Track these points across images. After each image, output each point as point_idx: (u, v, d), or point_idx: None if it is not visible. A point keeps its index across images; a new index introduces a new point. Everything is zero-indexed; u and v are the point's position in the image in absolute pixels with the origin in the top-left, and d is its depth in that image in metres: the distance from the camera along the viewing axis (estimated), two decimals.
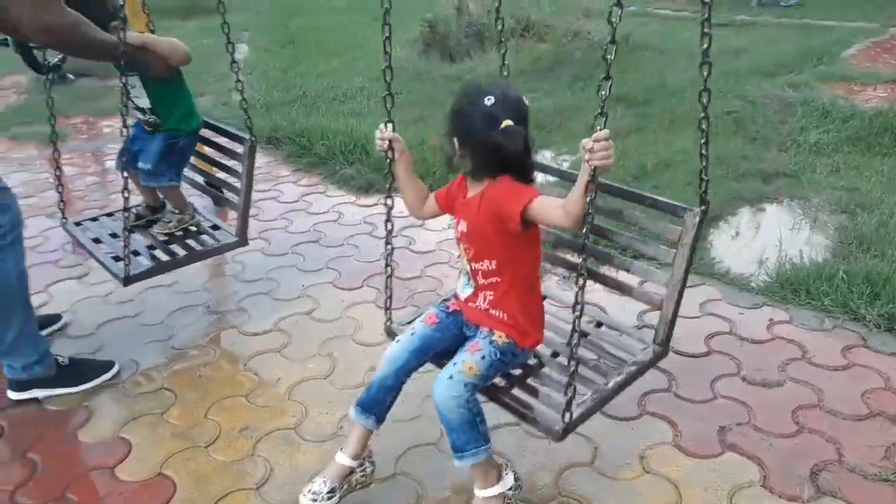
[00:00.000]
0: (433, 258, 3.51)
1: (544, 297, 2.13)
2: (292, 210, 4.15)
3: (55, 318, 3.03)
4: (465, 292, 1.99)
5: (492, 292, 1.92)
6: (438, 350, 2.00)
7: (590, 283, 1.93)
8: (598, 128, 1.51)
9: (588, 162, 1.53)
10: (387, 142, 2.02)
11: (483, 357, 1.87)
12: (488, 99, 1.74)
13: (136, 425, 2.42)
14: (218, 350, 2.84)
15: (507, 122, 1.72)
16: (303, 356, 2.77)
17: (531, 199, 1.74)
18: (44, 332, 2.89)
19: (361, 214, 4.05)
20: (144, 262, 2.87)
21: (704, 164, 1.78)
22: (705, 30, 1.59)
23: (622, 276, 2.24)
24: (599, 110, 1.52)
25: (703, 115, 1.69)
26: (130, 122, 2.59)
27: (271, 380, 2.63)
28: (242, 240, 3.01)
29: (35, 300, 3.19)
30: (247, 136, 2.87)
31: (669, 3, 11.76)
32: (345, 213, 4.07)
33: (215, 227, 3.16)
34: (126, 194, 2.55)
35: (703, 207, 1.86)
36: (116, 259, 2.81)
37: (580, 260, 1.64)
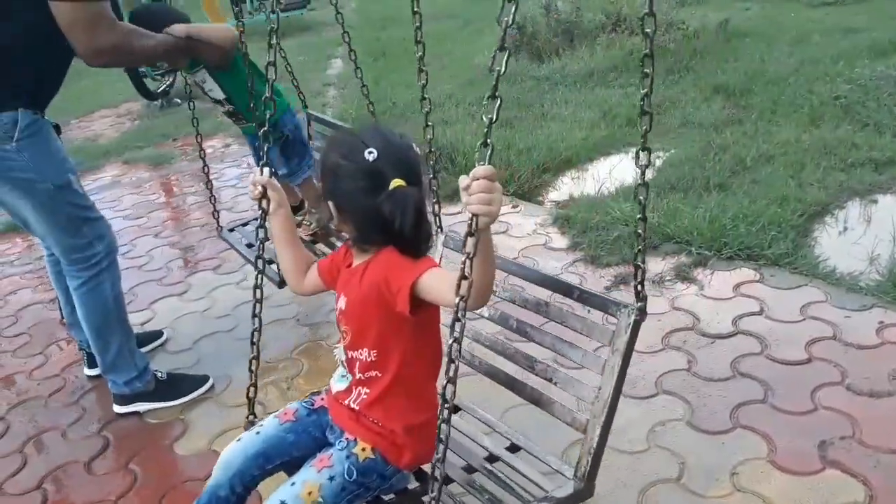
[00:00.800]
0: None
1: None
2: None
3: (157, 334, 3.21)
4: (338, 385, 1.61)
5: (368, 390, 1.54)
6: (291, 458, 1.60)
7: (509, 394, 1.71)
8: (480, 162, 1.15)
9: (466, 206, 1.16)
10: (259, 188, 1.64)
11: (332, 478, 1.47)
12: (370, 153, 1.42)
13: (226, 438, 2.52)
14: (305, 363, 2.92)
15: (397, 183, 1.40)
16: None
17: (423, 272, 1.39)
18: (147, 348, 3.08)
19: (444, 223, 4.05)
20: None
21: (641, 235, 1.46)
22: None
23: (544, 388, 1.70)
24: (483, 139, 1.16)
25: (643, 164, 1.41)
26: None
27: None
28: None
29: (140, 317, 3.44)
30: None
31: None
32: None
33: None
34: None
35: (639, 304, 1.48)
36: (270, 262, 2.95)
37: (453, 331, 1.20)
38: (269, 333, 3.16)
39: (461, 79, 7.14)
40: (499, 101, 1.19)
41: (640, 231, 1.48)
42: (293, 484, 1.47)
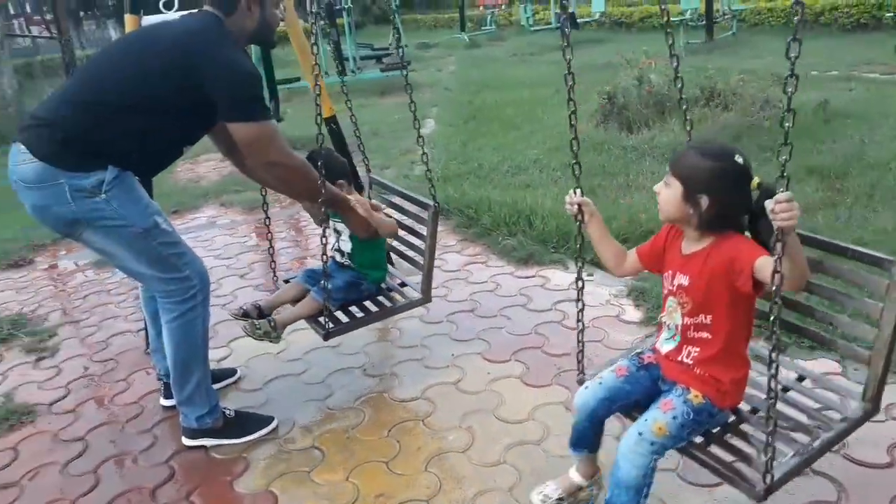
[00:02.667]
0: (588, 335, 3.42)
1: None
2: (453, 279, 4.27)
3: (231, 371, 3.35)
4: (666, 346, 2.04)
5: (698, 349, 1.97)
6: (628, 402, 2.06)
7: (792, 337, 1.98)
8: (780, 189, 1.59)
9: (773, 222, 1.60)
10: (576, 206, 2.18)
11: (675, 417, 1.90)
12: (738, 157, 1.86)
13: (283, 481, 2.59)
14: (367, 413, 2.97)
15: (757, 180, 1.84)
16: (444, 427, 2.81)
17: (761, 255, 1.80)
18: (221, 385, 3.21)
19: (518, 286, 4.08)
20: (342, 317, 3.12)
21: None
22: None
23: (826, 332, 2.20)
24: (780, 173, 1.60)
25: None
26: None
27: (411, 448, 2.70)
28: (426, 297, 3.21)
29: (218, 353, 3.59)
30: (431, 202, 3.09)
31: (880, 66, 10.83)
32: (502, 284, 4.13)
33: (403, 285, 3.38)
34: (325, 258, 2.78)
35: None
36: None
37: (773, 312, 1.69)
38: (334, 381, 3.25)
39: (549, 145, 7.22)
40: (790, 147, 1.61)
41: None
42: (646, 420, 1.91)
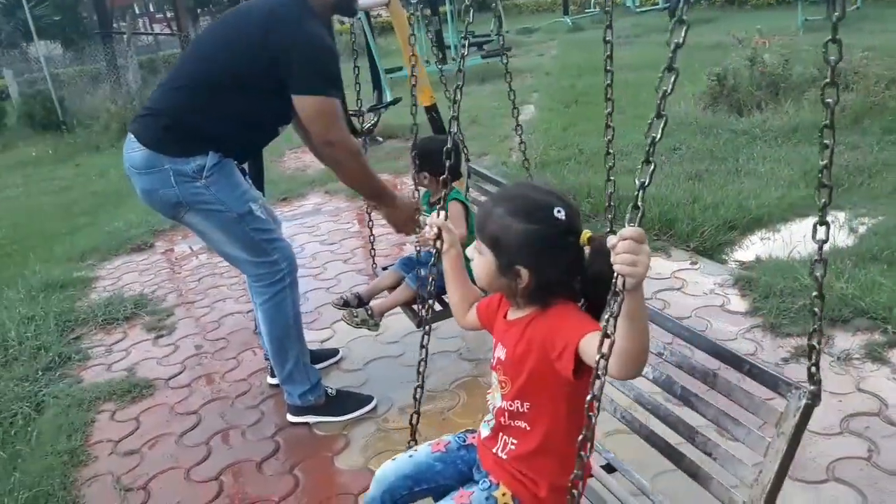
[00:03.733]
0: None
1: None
2: None
3: (333, 352, 3.46)
4: (484, 430, 1.66)
5: (515, 441, 1.57)
6: (437, 485, 1.71)
7: (666, 464, 1.64)
8: (630, 223, 1.16)
9: (613, 266, 1.17)
10: (434, 229, 1.76)
11: None
12: (558, 211, 1.45)
13: (382, 458, 2.63)
14: (462, 396, 3.01)
15: (587, 234, 1.45)
16: None
17: (591, 331, 1.38)
18: (323, 364, 3.32)
19: None
20: (436, 306, 3.13)
21: (817, 313, 1.39)
22: None
23: (703, 462, 1.63)
24: (634, 202, 1.17)
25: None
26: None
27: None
28: None
29: (321, 334, 3.73)
30: None
31: None
32: None
33: None
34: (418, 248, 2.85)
35: (812, 388, 1.38)
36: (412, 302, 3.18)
37: (591, 408, 1.23)
38: (432, 364, 3.27)
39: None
40: (652, 167, 1.21)
41: (816, 309, 1.39)
42: None
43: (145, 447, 2.98)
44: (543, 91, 10.40)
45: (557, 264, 1.47)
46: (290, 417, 2.97)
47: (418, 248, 2.95)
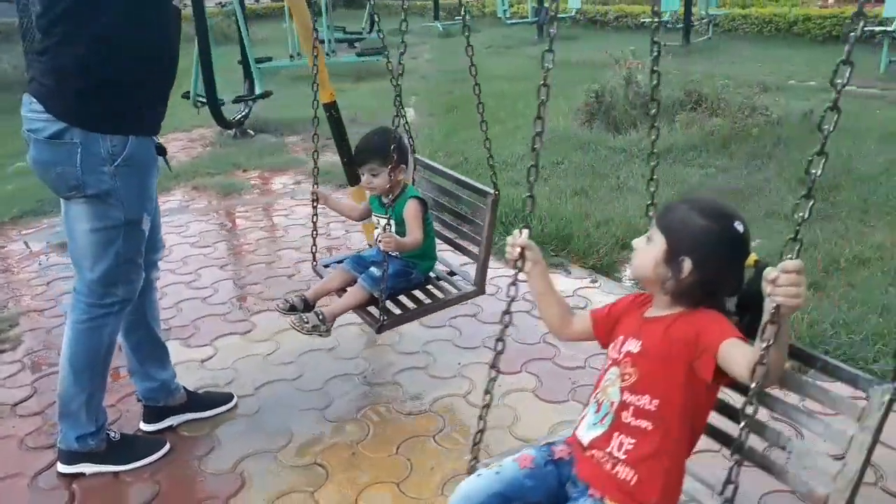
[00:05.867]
0: (598, 346, 3.27)
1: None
2: None
3: (227, 397, 2.94)
4: (591, 433, 1.60)
5: (634, 441, 1.53)
6: (527, 503, 1.61)
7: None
8: (789, 256, 1.26)
9: (770, 297, 1.28)
10: (518, 249, 1.73)
11: None
12: (738, 224, 1.56)
13: (286, 501, 2.36)
14: (372, 427, 2.75)
15: (754, 257, 1.56)
16: (457, 445, 2.61)
17: (734, 337, 1.46)
18: (212, 412, 2.85)
19: (519, 290, 3.88)
20: (394, 309, 2.86)
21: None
22: None
23: (778, 457, 1.64)
24: (794, 234, 1.28)
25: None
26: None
27: (424, 469, 2.49)
28: (480, 289, 2.99)
29: (200, 353, 3.35)
30: (490, 190, 2.88)
31: (856, 80, 10.94)
32: (502, 288, 3.94)
33: (451, 274, 3.15)
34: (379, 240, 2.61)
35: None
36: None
37: (744, 416, 1.37)
38: (332, 389, 3.03)
39: None
40: (811, 202, 1.31)
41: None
42: None
43: None
44: (422, 95, 10.26)
45: (719, 269, 1.56)
46: (62, 467, 2.50)
47: (375, 243, 2.65)
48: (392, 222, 2.88)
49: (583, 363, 3.13)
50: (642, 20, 16.82)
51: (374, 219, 2.95)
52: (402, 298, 2.95)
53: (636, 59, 8.18)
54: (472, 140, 7.46)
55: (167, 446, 2.63)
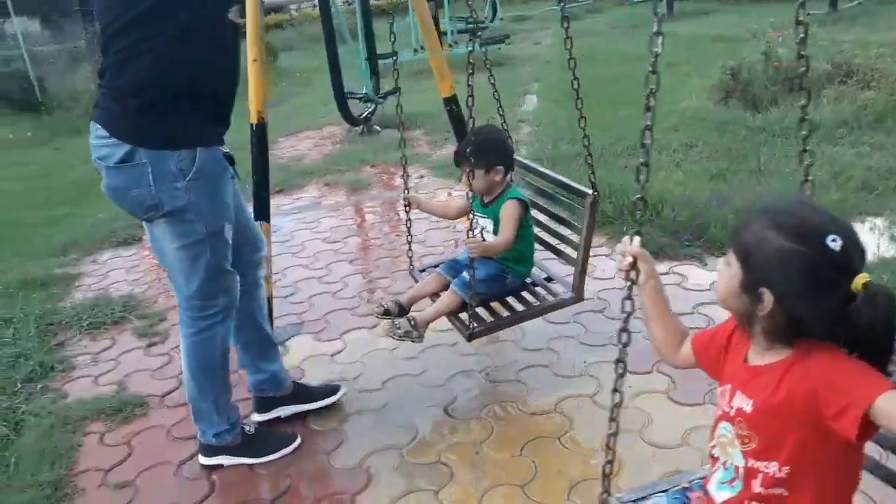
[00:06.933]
0: None
1: None
2: None
3: (333, 390, 2.96)
4: (722, 493, 1.41)
5: None
6: None
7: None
8: None
9: None
10: (629, 259, 1.53)
11: None
12: (832, 240, 1.21)
13: (408, 501, 2.36)
14: (496, 426, 2.70)
15: (864, 278, 1.21)
16: (586, 448, 2.52)
17: (884, 392, 1.17)
18: (319, 404, 2.90)
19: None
20: (486, 316, 2.84)
21: None
22: None
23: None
24: None
25: None
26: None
27: (550, 472, 2.42)
28: (579, 296, 2.87)
29: (331, 346, 3.43)
30: (589, 190, 2.74)
31: None
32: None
33: (549, 280, 3.06)
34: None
35: None
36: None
37: None
38: (454, 385, 3.01)
39: (665, 123, 6.71)
40: None
41: None
42: None
43: (139, 479, 2.65)
44: (545, 81, 10.05)
45: (813, 301, 1.23)
46: (202, 459, 2.64)
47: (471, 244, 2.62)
48: (490, 222, 2.80)
49: None
50: None
51: (474, 218, 2.86)
52: (497, 305, 2.87)
53: (776, 30, 7.61)
54: (598, 126, 7.22)
55: (298, 440, 2.71)
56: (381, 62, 8.42)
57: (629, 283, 1.53)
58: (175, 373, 3.37)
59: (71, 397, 3.25)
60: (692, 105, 7.17)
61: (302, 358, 3.35)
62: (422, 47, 10.82)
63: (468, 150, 2.64)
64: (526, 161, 3.34)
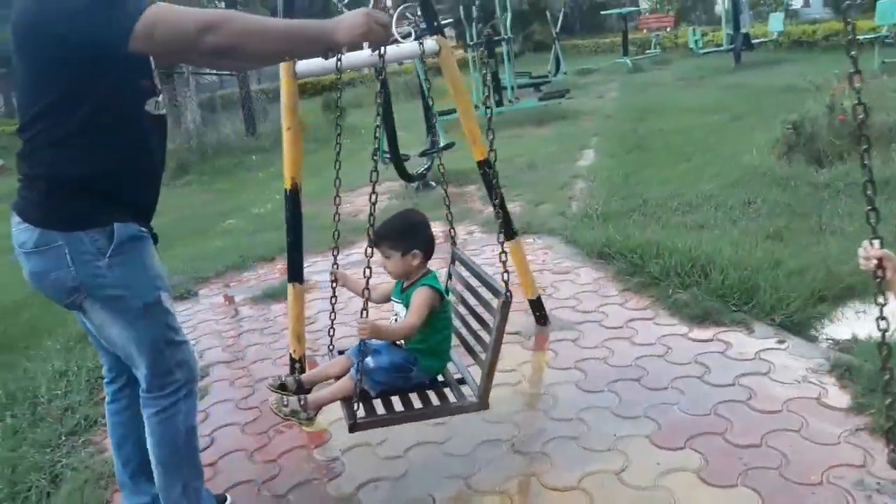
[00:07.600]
0: (780, 422, 2.87)
1: None
2: (615, 337, 3.81)
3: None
4: None
5: None
6: None
7: None
8: None
9: None
10: (874, 261, 1.78)
11: None
12: None
13: None
14: (515, 501, 2.61)
15: None
16: None
17: None
18: None
19: (693, 351, 3.55)
20: (377, 408, 2.60)
21: None
22: None
23: None
24: None
25: None
26: None
27: None
28: (483, 402, 2.55)
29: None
30: (503, 290, 2.42)
31: None
32: (673, 348, 3.62)
33: (461, 381, 2.75)
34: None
35: None
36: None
37: None
38: (480, 455, 2.93)
39: (725, 179, 6.56)
40: None
41: None
42: None
43: None
44: (604, 135, 10.00)
45: None
46: None
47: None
48: (404, 309, 2.62)
49: (758, 440, 2.75)
50: (859, 37, 15.24)
51: (396, 306, 2.70)
52: (397, 398, 2.65)
53: (841, 83, 7.36)
54: (653, 180, 7.11)
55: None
56: (444, 118, 8.58)
57: (877, 280, 1.80)
58: (208, 431, 3.41)
59: (107, 452, 3.32)
60: (753, 160, 6.97)
61: (328, 422, 3.32)
62: (484, 103, 10.98)
63: (384, 233, 2.57)
64: (458, 252, 3.02)
